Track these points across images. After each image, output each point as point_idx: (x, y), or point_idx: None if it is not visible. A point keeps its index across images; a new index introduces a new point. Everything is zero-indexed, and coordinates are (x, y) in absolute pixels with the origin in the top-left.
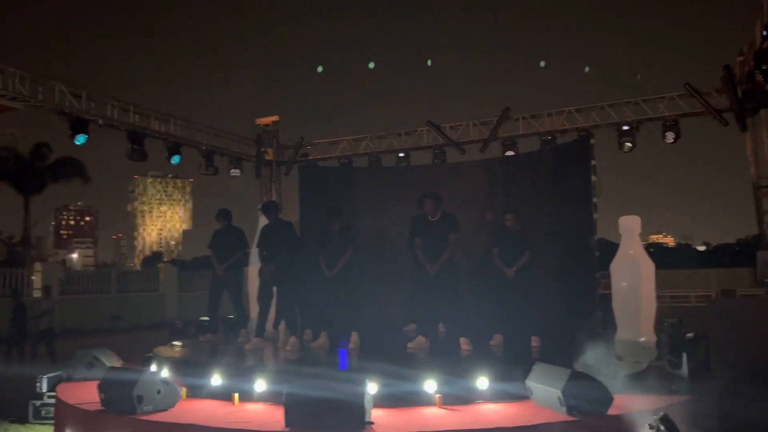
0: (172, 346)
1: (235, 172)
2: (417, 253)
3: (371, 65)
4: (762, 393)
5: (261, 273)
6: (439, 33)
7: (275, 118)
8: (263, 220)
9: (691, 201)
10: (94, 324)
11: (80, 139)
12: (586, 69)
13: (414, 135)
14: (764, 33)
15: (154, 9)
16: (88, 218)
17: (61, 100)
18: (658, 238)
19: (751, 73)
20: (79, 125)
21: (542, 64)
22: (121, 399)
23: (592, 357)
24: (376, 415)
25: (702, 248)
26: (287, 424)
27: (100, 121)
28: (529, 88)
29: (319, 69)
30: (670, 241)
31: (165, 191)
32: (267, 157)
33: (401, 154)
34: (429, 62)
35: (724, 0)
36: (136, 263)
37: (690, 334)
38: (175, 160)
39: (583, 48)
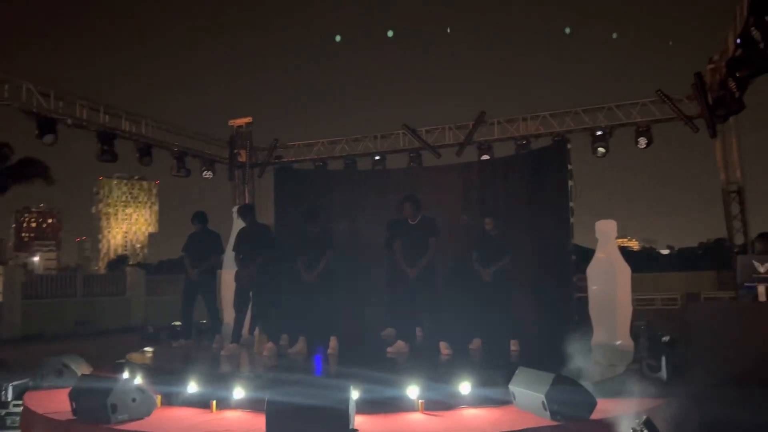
0: (144, 352)
1: (207, 174)
2: (396, 256)
3: (337, 38)
4: (741, 396)
5: (237, 277)
6: (415, 37)
7: (248, 119)
8: (238, 223)
9: (653, 205)
10: (59, 329)
11: (48, 139)
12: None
13: (390, 138)
14: (738, 41)
15: (124, 8)
16: (50, 220)
17: (28, 99)
18: (622, 242)
19: (723, 81)
20: (47, 125)
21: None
22: (94, 408)
23: (572, 361)
24: (358, 421)
25: (666, 252)
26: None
27: (69, 121)
28: (504, 93)
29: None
30: (634, 244)
31: (131, 193)
32: (240, 159)
33: (377, 158)
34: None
35: (694, 9)
36: (101, 267)
37: (666, 338)
38: (147, 161)
39: (557, 54)
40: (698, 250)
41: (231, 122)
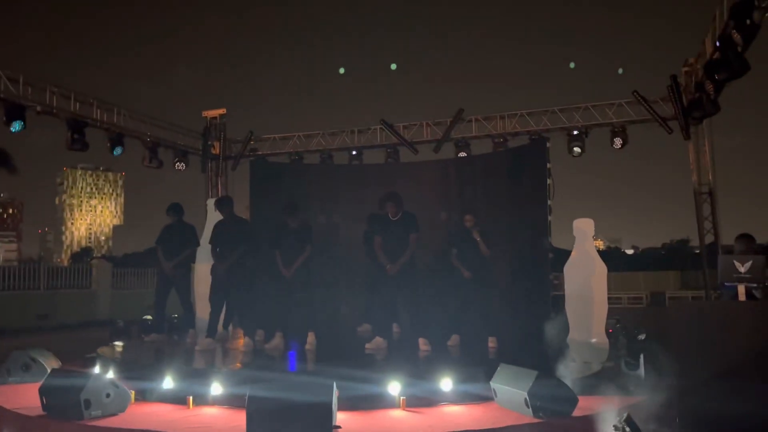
0: (115, 346)
1: (180, 165)
2: (377, 251)
3: (341, 71)
4: (720, 391)
5: (214, 271)
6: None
7: (222, 110)
8: (213, 216)
9: (618, 206)
10: (20, 323)
11: (16, 126)
12: (571, 65)
13: (367, 133)
14: (717, 44)
15: None
16: (11, 211)
17: None
18: None
19: (699, 83)
20: (15, 111)
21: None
22: (66, 403)
23: (549, 358)
24: (340, 418)
25: (630, 252)
26: (249, 429)
27: (38, 108)
28: (482, 91)
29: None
30: (599, 244)
31: (96, 184)
32: (213, 151)
33: (354, 152)
34: (393, 66)
35: (670, 12)
36: (63, 259)
37: (642, 336)
38: (118, 151)
39: (535, 55)
40: (662, 250)
41: (204, 113)
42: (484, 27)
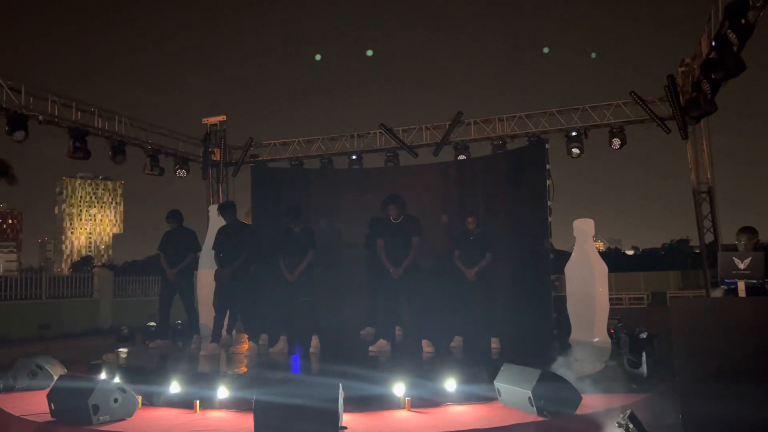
0: (120, 352)
1: (181, 172)
2: (380, 254)
3: (317, 57)
4: (723, 390)
5: (217, 276)
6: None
7: (223, 117)
8: (216, 222)
9: (618, 206)
10: (23, 332)
11: (18, 136)
12: (593, 55)
13: (366, 138)
14: (713, 44)
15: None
16: (11, 221)
17: None
18: None
19: (696, 82)
20: (18, 121)
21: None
22: (74, 409)
23: (552, 358)
24: (346, 419)
25: (630, 252)
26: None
27: (41, 118)
28: (481, 93)
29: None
30: (599, 245)
31: (95, 193)
32: (214, 158)
33: (354, 157)
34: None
35: (665, 12)
36: (64, 268)
37: (644, 334)
38: (120, 159)
39: (533, 56)
40: (662, 250)
41: (204, 120)
42: (481, 29)
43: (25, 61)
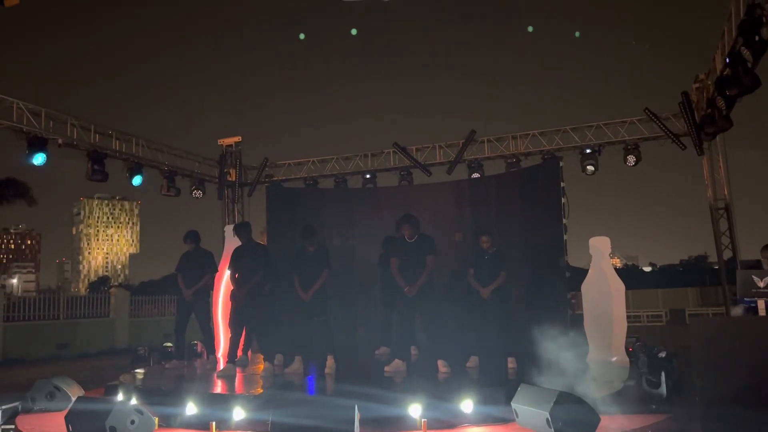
0: (136, 373)
1: (197, 193)
2: (394, 274)
3: (301, 36)
4: (743, 412)
5: (233, 296)
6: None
7: (238, 138)
8: (231, 242)
9: (634, 223)
10: (41, 352)
11: (38, 159)
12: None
13: (380, 157)
14: (727, 60)
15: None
16: (29, 242)
17: (18, 118)
18: None
19: (711, 99)
20: (37, 144)
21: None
22: (91, 430)
23: (569, 378)
24: None
25: (648, 269)
26: None
27: (60, 141)
28: (494, 110)
29: (301, 36)
30: (616, 262)
31: (112, 214)
32: (230, 178)
33: (368, 176)
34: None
35: (679, 28)
36: (81, 288)
37: (663, 353)
38: (137, 181)
39: (544, 70)
40: (680, 267)
41: (220, 141)
42: (494, 46)
43: (44, 84)
